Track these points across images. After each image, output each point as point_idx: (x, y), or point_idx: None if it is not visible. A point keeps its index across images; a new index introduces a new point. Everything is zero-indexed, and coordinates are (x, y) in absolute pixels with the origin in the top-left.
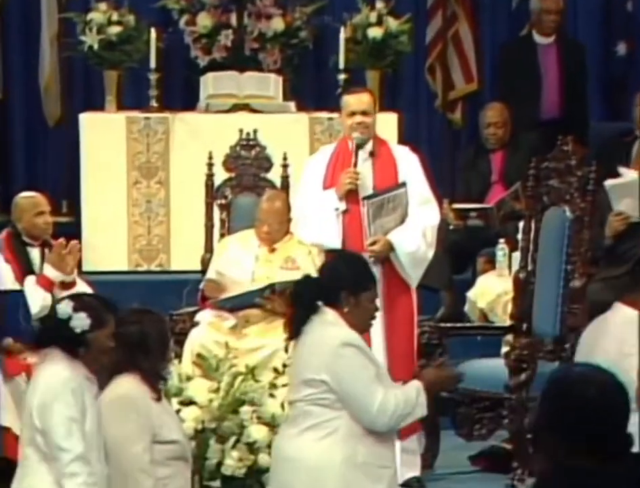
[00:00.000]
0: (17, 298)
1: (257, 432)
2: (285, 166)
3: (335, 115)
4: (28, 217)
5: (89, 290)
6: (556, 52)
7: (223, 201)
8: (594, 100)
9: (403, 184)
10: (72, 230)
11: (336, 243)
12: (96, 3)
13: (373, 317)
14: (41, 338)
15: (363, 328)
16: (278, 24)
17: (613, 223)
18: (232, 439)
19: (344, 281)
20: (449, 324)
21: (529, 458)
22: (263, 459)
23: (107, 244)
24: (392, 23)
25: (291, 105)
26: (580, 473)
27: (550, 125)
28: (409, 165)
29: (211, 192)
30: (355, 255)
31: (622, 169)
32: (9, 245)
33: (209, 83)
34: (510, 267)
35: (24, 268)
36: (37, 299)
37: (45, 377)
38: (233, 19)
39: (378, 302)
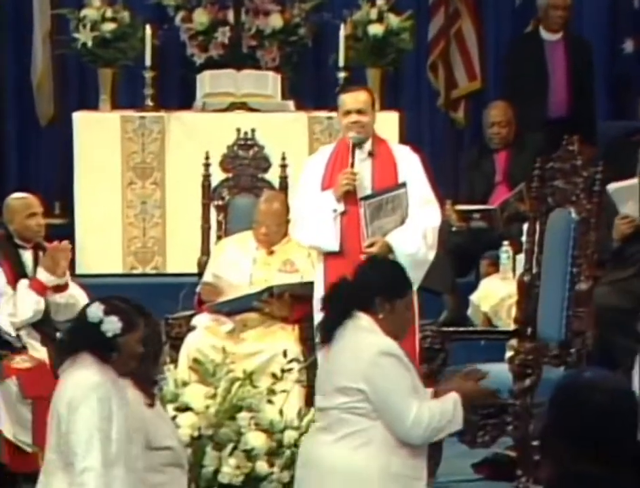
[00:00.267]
0: None
1: (255, 439)
2: (283, 166)
3: (334, 114)
4: (20, 219)
5: (82, 293)
6: (564, 49)
7: (220, 202)
8: (600, 99)
9: (403, 185)
10: (65, 232)
11: (334, 246)
12: None
13: (409, 324)
14: (70, 342)
15: (398, 335)
16: (276, 21)
17: (619, 226)
18: (230, 446)
19: (378, 287)
20: (451, 329)
21: (533, 466)
22: (261, 466)
23: (101, 246)
24: (393, 20)
25: (290, 104)
26: (588, 479)
27: (558, 124)
28: (409, 164)
29: (208, 193)
30: (392, 260)
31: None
32: (1, 247)
33: (206, 82)
34: (514, 270)
35: (16, 271)
36: (30, 304)
37: (73, 382)
38: (230, 16)
39: None
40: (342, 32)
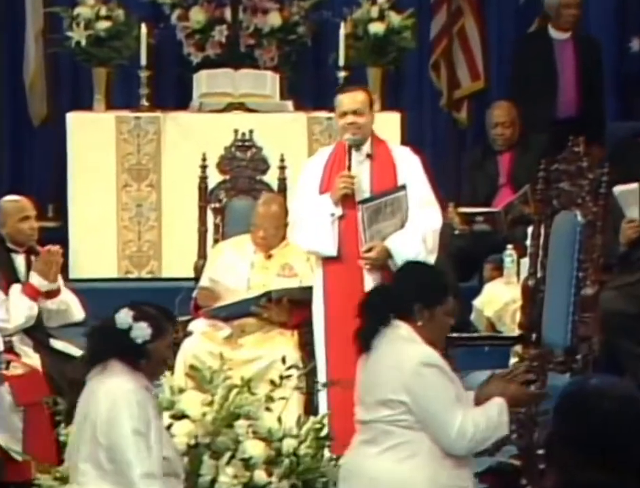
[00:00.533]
0: None
1: (253, 448)
2: (282, 168)
3: (334, 115)
4: (13, 223)
5: (74, 299)
6: (573, 48)
7: (217, 205)
8: (608, 98)
9: (403, 187)
10: (58, 236)
11: (331, 251)
12: None
13: (448, 332)
14: (99, 350)
15: (437, 343)
16: (275, 19)
17: (626, 230)
18: (227, 455)
19: (417, 293)
20: (454, 334)
21: (538, 474)
22: (259, 475)
23: (95, 250)
24: (395, 18)
25: (289, 104)
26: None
27: (566, 124)
28: (409, 166)
29: (205, 195)
30: (429, 265)
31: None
32: None
33: (203, 81)
34: (518, 274)
35: (8, 276)
36: (23, 309)
37: (107, 391)
38: (228, 14)
39: None
40: (342, 30)
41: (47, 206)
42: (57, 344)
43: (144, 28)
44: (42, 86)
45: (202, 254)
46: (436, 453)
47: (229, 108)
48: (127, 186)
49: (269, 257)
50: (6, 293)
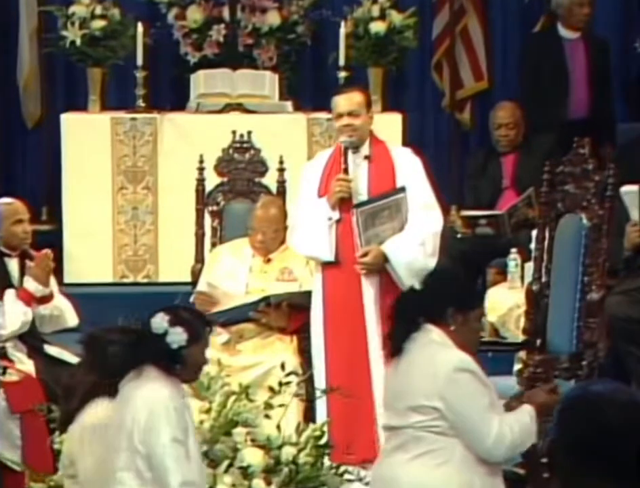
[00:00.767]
0: None
1: (251, 456)
2: (281, 170)
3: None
4: (6, 226)
5: (68, 305)
6: (584, 48)
7: (215, 208)
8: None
9: (402, 189)
10: (52, 239)
11: (329, 255)
12: None
13: (480, 337)
14: (133, 355)
15: (469, 348)
16: (273, 18)
17: (631, 234)
18: (225, 463)
19: (451, 297)
20: None
21: (543, 483)
22: (257, 484)
23: (90, 254)
24: (396, 17)
25: (288, 105)
26: None
27: (579, 125)
28: (408, 168)
29: (202, 198)
30: (463, 269)
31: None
32: None
33: (200, 82)
34: (522, 278)
35: (1, 281)
36: (18, 315)
37: (143, 398)
38: (225, 13)
39: (374, 316)
40: (343, 30)
41: (40, 209)
42: (51, 350)
43: (140, 28)
44: (36, 87)
45: (199, 258)
46: (469, 459)
47: (227, 108)
48: (122, 189)
49: (268, 261)
50: (0, 299)
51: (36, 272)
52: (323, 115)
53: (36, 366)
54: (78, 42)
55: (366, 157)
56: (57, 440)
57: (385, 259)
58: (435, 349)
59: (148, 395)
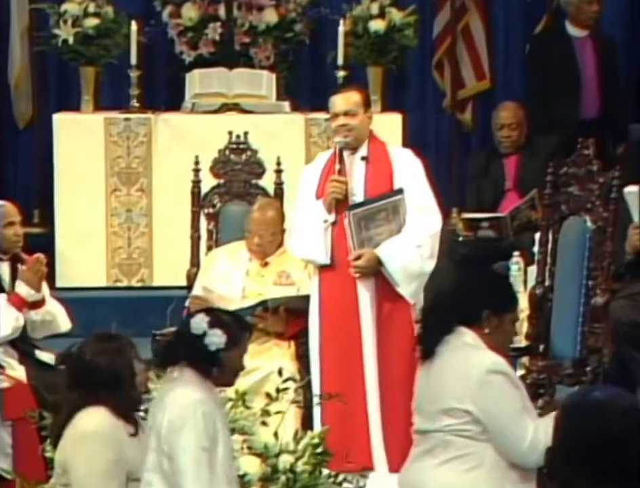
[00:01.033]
0: None
1: (248, 464)
2: (278, 172)
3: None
4: None
5: (60, 309)
6: (592, 46)
7: (211, 210)
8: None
9: (400, 191)
10: (44, 242)
11: (324, 258)
12: None
13: (513, 341)
14: (171, 354)
15: (502, 352)
16: (271, 17)
17: (633, 237)
18: None
19: (486, 300)
20: None
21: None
22: None
23: (83, 257)
24: (396, 15)
25: (285, 105)
26: None
27: (590, 126)
28: (407, 169)
29: (198, 200)
30: (497, 272)
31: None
32: None
33: (196, 81)
34: (525, 282)
35: None
36: (10, 320)
37: (174, 399)
38: (221, 11)
39: (369, 319)
40: (341, 28)
41: (32, 211)
42: (43, 356)
43: (134, 26)
44: (27, 86)
45: (195, 262)
46: (500, 464)
47: (223, 109)
48: (116, 191)
49: (265, 264)
50: None
51: (28, 276)
52: (321, 115)
53: (28, 372)
54: (70, 40)
55: (363, 158)
56: (49, 448)
57: (379, 262)
58: (469, 351)
59: (178, 397)
